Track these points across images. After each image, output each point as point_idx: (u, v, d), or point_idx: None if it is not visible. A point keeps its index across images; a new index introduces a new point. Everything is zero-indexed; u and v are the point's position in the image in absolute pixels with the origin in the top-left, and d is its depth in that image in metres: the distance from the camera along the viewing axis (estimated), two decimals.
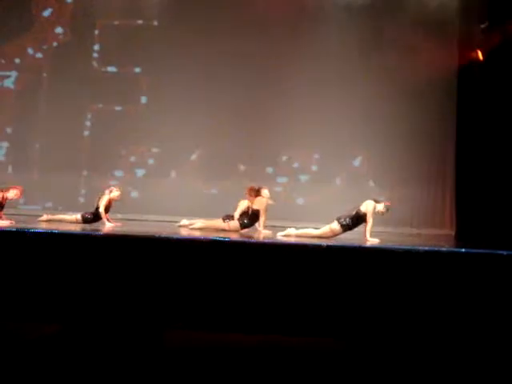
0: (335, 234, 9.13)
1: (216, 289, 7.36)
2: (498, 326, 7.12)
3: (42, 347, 5.43)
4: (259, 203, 9.98)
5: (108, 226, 10.03)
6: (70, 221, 10.40)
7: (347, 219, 9.16)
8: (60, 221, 10.43)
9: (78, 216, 10.41)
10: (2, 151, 12.93)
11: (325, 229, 9.18)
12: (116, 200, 10.45)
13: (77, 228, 9.61)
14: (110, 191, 10.40)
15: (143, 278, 7.35)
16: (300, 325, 7.21)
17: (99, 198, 10.33)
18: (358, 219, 9.16)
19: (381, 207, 9.16)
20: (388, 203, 9.21)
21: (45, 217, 10.54)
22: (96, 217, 10.32)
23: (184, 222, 10.60)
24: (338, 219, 9.17)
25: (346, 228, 9.15)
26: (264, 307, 7.29)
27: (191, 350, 6.17)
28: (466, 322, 7.19)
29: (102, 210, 10.23)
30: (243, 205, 10.18)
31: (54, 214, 10.71)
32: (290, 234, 9.24)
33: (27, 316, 7.03)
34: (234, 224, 10.02)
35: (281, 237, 9.09)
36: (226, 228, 9.96)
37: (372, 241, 8.89)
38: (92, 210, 10.41)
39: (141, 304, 7.23)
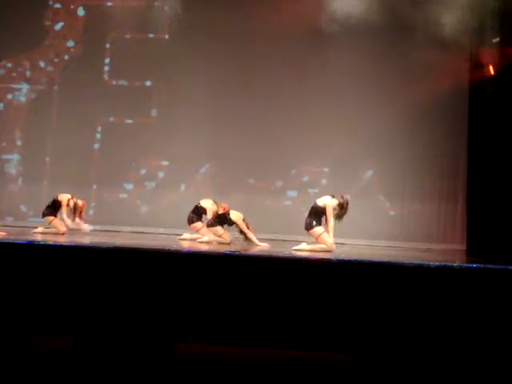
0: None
1: (227, 302, 7.34)
2: (511, 341, 7.07)
3: (56, 359, 5.42)
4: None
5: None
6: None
7: (313, 221, 9.17)
8: (56, 233, 10.48)
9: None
10: (12, 163, 12.94)
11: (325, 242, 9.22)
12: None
13: (90, 241, 9.62)
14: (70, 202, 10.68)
15: (155, 291, 7.34)
16: (312, 339, 7.18)
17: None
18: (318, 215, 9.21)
19: (335, 202, 9.15)
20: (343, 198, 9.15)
21: (40, 229, 10.56)
22: None
23: (186, 235, 10.63)
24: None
25: None
26: (275, 321, 7.27)
27: (203, 362, 6.15)
28: (478, 338, 7.15)
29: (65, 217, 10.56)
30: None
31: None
32: (304, 248, 9.25)
33: (42, 329, 7.03)
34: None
35: (295, 251, 9.11)
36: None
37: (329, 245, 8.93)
38: (100, 223, 10.55)
39: (153, 316, 7.22)
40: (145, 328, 6.98)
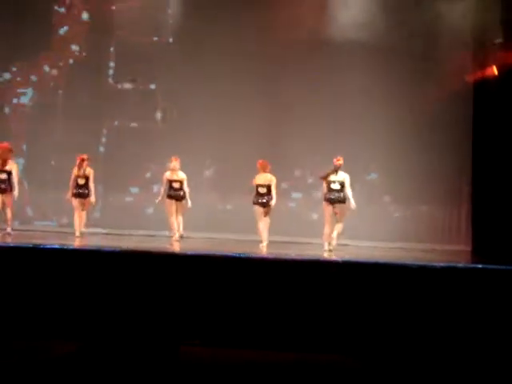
0: None
1: (233, 305, 7.34)
2: None
3: (62, 364, 5.43)
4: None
5: None
6: None
7: None
8: None
9: None
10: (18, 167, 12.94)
11: None
12: None
13: (93, 244, 9.64)
14: None
15: (160, 294, 7.35)
16: (318, 341, 7.18)
17: None
18: None
19: None
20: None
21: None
22: None
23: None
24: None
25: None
26: (280, 324, 7.27)
27: (207, 365, 6.15)
28: (483, 339, 7.14)
29: None
30: None
31: None
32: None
33: (46, 334, 7.03)
34: None
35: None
36: None
37: None
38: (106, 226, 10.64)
39: (157, 320, 7.22)
40: (150, 332, 7.00)
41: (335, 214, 10.14)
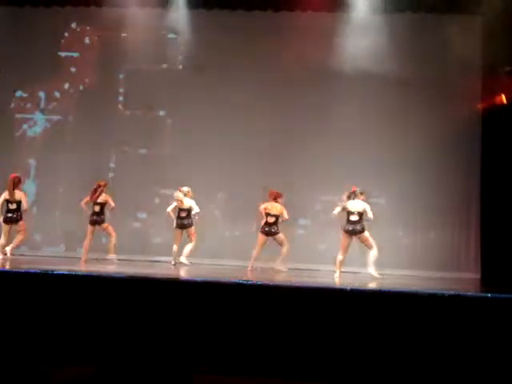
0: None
1: (242, 332, 7.33)
2: None
3: None
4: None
5: None
6: None
7: None
8: None
9: None
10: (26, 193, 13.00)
11: None
12: None
13: (103, 270, 9.66)
14: None
15: (171, 321, 7.35)
16: (328, 371, 7.15)
17: None
18: None
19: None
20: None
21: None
22: None
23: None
24: None
25: None
26: (290, 352, 7.24)
27: None
28: (492, 369, 7.09)
29: None
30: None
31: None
32: None
33: (57, 359, 7.03)
34: None
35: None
36: None
37: None
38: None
39: (170, 347, 7.21)
40: (161, 358, 6.98)
41: (362, 242, 10.36)
